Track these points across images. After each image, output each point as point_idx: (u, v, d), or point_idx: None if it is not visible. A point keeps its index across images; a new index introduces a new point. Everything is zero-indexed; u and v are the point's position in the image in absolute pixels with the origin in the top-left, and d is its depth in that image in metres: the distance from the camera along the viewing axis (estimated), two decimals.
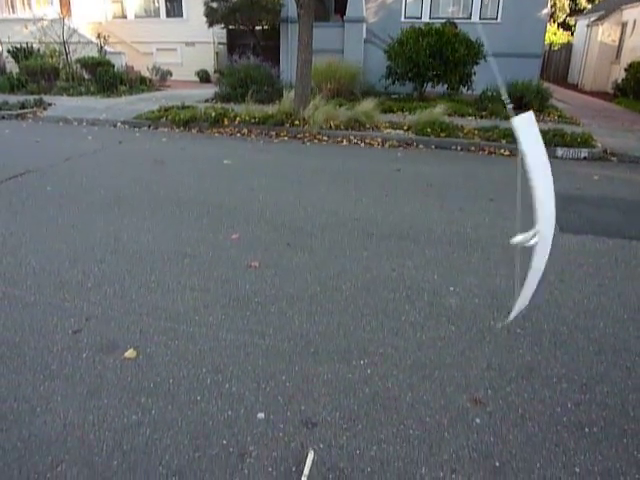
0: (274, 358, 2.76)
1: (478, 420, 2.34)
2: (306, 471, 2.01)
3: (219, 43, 18.68)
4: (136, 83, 15.04)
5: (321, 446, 2.17)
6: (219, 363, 2.71)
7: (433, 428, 2.29)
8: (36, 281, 3.54)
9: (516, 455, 2.15)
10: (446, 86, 12.65)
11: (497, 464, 2.10)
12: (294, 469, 2.04)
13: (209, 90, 13.56)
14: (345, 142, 8.80)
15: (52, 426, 2.25)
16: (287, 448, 2.16)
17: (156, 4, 18.89)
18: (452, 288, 3.57)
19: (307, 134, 9.02)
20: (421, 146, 8.54)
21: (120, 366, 2.67)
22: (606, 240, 4.53)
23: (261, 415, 2.34)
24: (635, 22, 18.10)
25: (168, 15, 18.94)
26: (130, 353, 2.76)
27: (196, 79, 18.55)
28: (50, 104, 11.58)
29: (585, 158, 7.89)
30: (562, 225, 4.83)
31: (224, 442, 2.19)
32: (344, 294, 3.46)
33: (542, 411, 2.41)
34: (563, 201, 5.62)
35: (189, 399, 2.44)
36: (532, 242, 1.03)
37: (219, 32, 17.91)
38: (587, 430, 2.29)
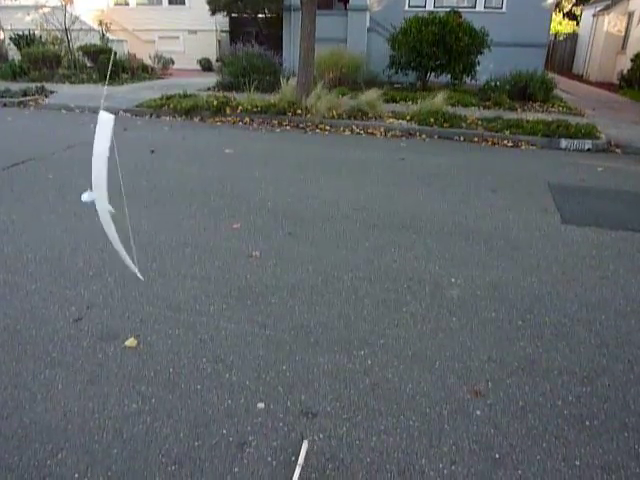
0: (274, 348, 2.76)
1: (478, 412, 2.34)
2: (300, 460, 2.02)
3: (222, 31, 18.57)
4: (138, 71, 14.98)
5: (321, 436, 2.17)
6: (219, 352, 2.70)
7: (433, 419, 2.29)
8: (37, 269, 3.54)
9: (516, 447, 2.15)
10: (449, 76, 12.55)
11: (497, 456, 2.10)
12: (293, 459, 2.04)
13: (211, 78, 13.48)
14: (347, 132, 8.75)
15: (52, 414, 2.26)
16: (287, 438, 2.16)
17: None
18: (453, 279, 3.56)
19: (309, 123, 8.97)
20: (424, 136, 8.48)
21: (120, 355, 2.67)
22: (609, 232, 4.50)
23: (261, 405, 2.34)
24: None
25: (170, 2, 18.83)
26: (131, 342, 2.76)
27: (198, 67, 18.46)
28: (52, 92, 11.49)
29: (589, 150, 7.83)
30: (565, 217, 4.81)
31: (224, 431, 2.19)
32: (345, 284, 3.45)
33: (543, 404, 2.40)
34: (567, 193, 5.59)
35: (189, 388, 2.44)
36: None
37: (222, 20, 17.80)
38: (588, 423, 2.29)
